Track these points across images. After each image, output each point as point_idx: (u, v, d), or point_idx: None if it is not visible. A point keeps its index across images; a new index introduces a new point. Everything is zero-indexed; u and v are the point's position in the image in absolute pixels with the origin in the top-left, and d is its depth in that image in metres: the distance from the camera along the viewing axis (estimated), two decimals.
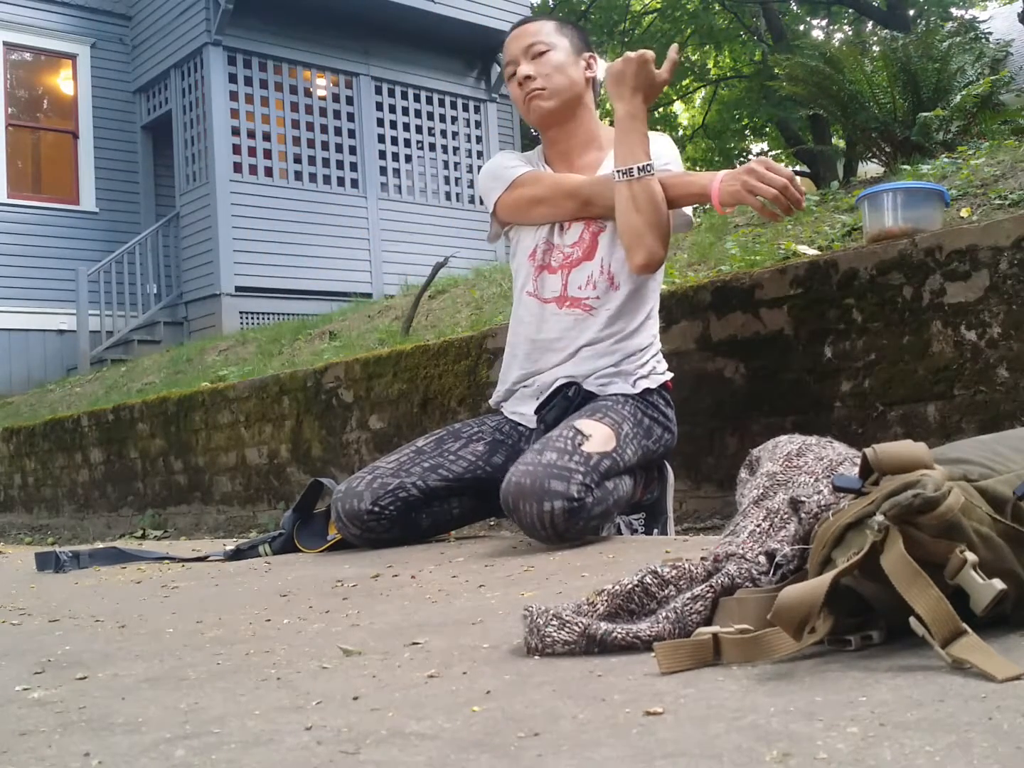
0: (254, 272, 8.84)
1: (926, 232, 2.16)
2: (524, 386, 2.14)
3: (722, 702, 0.72)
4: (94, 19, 10.07)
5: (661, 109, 18.79)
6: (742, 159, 18.50)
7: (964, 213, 2.53)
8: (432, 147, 10.34)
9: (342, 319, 6.13)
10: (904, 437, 2.07)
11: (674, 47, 2.04)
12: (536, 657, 0.92)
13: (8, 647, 1.29)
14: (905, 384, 2.13)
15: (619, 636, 0.90)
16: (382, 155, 9.91)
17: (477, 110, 10.80)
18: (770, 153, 18.58)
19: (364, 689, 0.87)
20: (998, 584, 0.74)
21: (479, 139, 10.75)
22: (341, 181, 9.61)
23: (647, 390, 2.04)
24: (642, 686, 0.79)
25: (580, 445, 1.80)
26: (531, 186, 2.13)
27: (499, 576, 1.52)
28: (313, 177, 9.45)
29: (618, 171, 1.99)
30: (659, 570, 0.97)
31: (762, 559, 0.93)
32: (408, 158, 10.13)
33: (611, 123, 2.08)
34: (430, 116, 10.38)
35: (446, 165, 10.42)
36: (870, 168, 8.46)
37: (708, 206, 2.16)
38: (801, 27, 17.61)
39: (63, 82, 10.17)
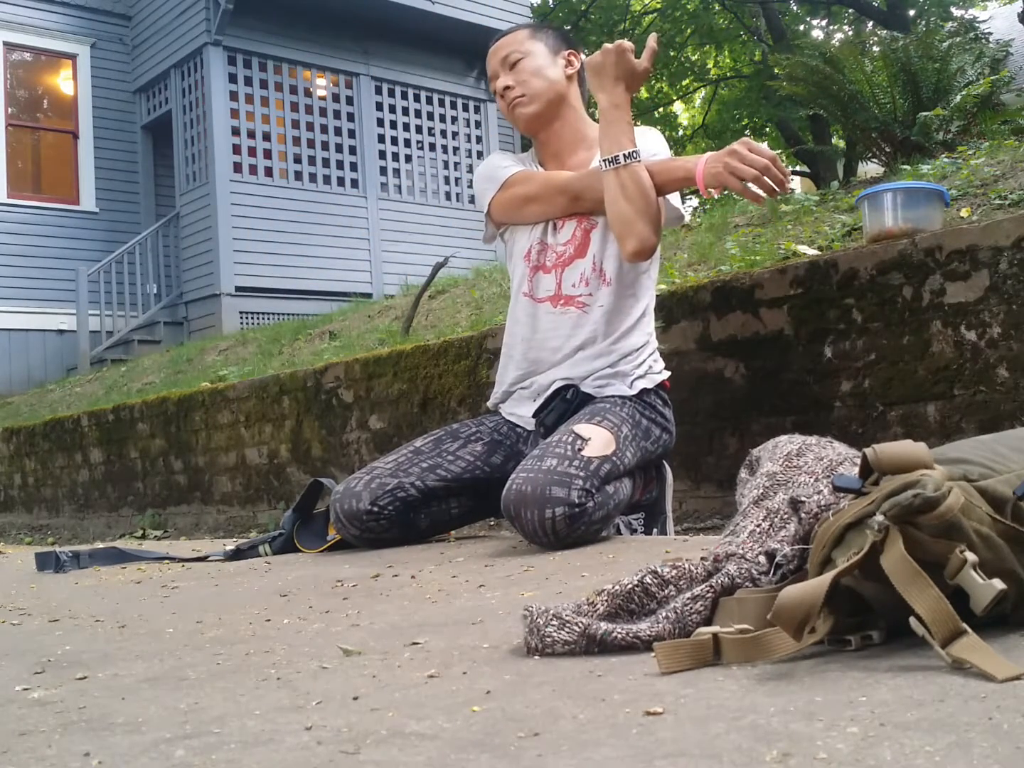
0: (254, 272, 8.84)
1: (926, 232, 2.16)
2: (522, 387, 2.14)
3: (722, 702, 0.72)
4: (94, 19, 10.08)
5: (661, 109, 18.80)
6: None
7: (964, 213, 2.53)
8: (432, 147, 10.34)
9: (342, 319, 6.13)
10: (904, 437, 2.07)
11: (653, 36, 2.07)
12: (536, 657, 0.92)
13: (8, 647, 1.29)
14: (905, 384, 2.13)
15: (619, 636, 0.90)
16: (382, 155, 9.91)
17: (477, 110, 10.80)
18: None
19: (364, 689, 0.87)
20: (998, 584, 0.74)
21: (479, 139, 10.75)
22: (341, 181, 9.61)
23: (644, 391, 2.04)
24: (642, 686, 0.79)
25: (580, 450, 1.80)
26: (523, 185, 2.14)
27: (499, 576, 1.52)
28: (313, 177, 9.45)
29: (604, 160, 1.99)
30: (659, 570, 0.97)
31: (762, 559, 0.93)
32: (408, 158, 10.13)
33: None
34: (430, 116, 10.38)
35: (446, 165, 10.42)
36: (870, 168, 8.45)
37: (708, 206, 2.16)
38: (801, 27, 17.60)
39: (63, 82, 10.18)
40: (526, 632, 0.94)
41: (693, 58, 18.14)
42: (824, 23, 18.46)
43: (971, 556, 0.76)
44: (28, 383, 9.06)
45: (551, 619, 0.92)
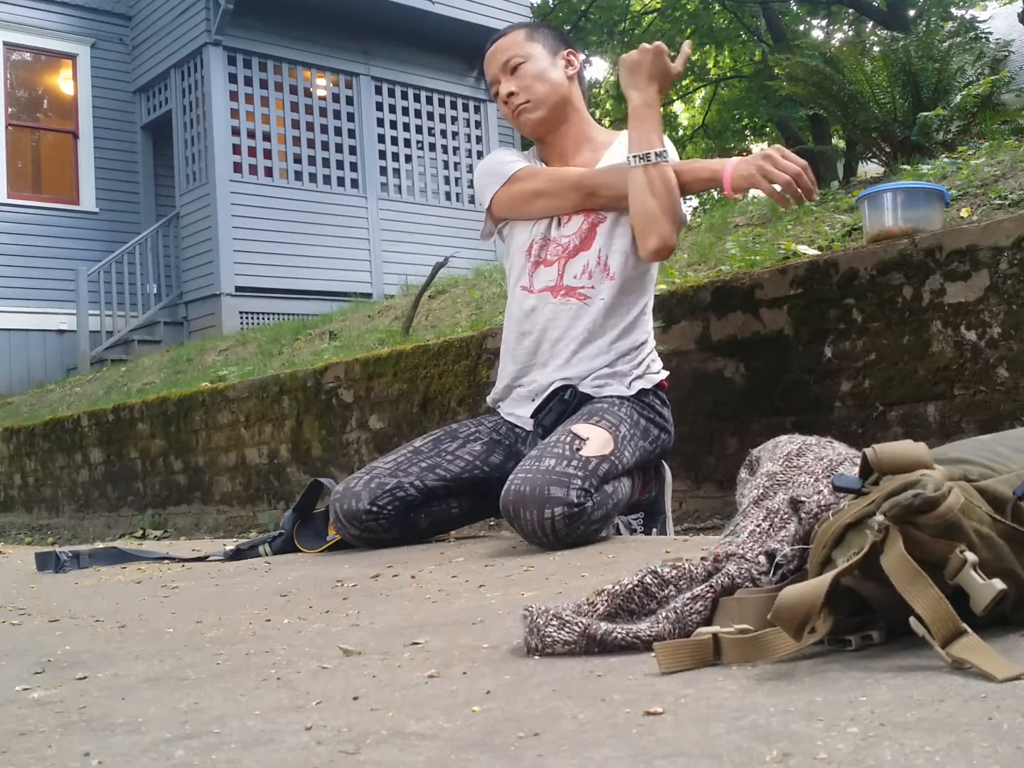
0: (254, 272, 8.84)
1: (926, 232, 2.16)
2: (520, 386, 2.14)
3: (722, 702, 0.72)
4: (94, 19, 10.08)
5: (661, 109, 18.79)
6: None
7: (964, 213, 2.53)
8: (432, 147, 10.34)
9: (342, 319, 6.13)
10: (904, 437, 2.07)
11: (687, 43, 2.13)
12: (536, 657, 0.92)
13: (8, 647, 1.29)
14: (905, 384, 2.13)
15: (619, 636, 0.90)
16: (382, 155, 9.91)
17: (477, 110, 10.80)
18: None
19: (364, 689, 0.87)
20: (998, 584, 0.74)
21: (479, 139, 10.75)
22: (341, 181, 9.61)
23: (643, 391, 2.04)
24: (642, 686, 0.79)
25: (578, 450, 1.80)
26: (531, 180, 2.13)
27: (499, 576, 1.52)
28: (313, 177, 9.45)
29: (634, 156, 2.00)
30: (659, 570, 0.97)
31: (762, 559, 0.93)
32: (408, 158, 10.13)
33: (610, 123, 2.09)
34: (430, 116, 10.38)
35: (446, 165, 10.42)
36: (870, 168, 8.45)
37: (709, 205, 2.17)
38: (801, 27, 17.61)
39: (63, 82, 10.18)
40: (526, 632, 0.94)
41: (693, 58, 18.12)
42: (824, 23, 18.46)
43: (971, 556, 0.76)
44: (28, 383, 9.06)
45: (551, 619, 0.92)
